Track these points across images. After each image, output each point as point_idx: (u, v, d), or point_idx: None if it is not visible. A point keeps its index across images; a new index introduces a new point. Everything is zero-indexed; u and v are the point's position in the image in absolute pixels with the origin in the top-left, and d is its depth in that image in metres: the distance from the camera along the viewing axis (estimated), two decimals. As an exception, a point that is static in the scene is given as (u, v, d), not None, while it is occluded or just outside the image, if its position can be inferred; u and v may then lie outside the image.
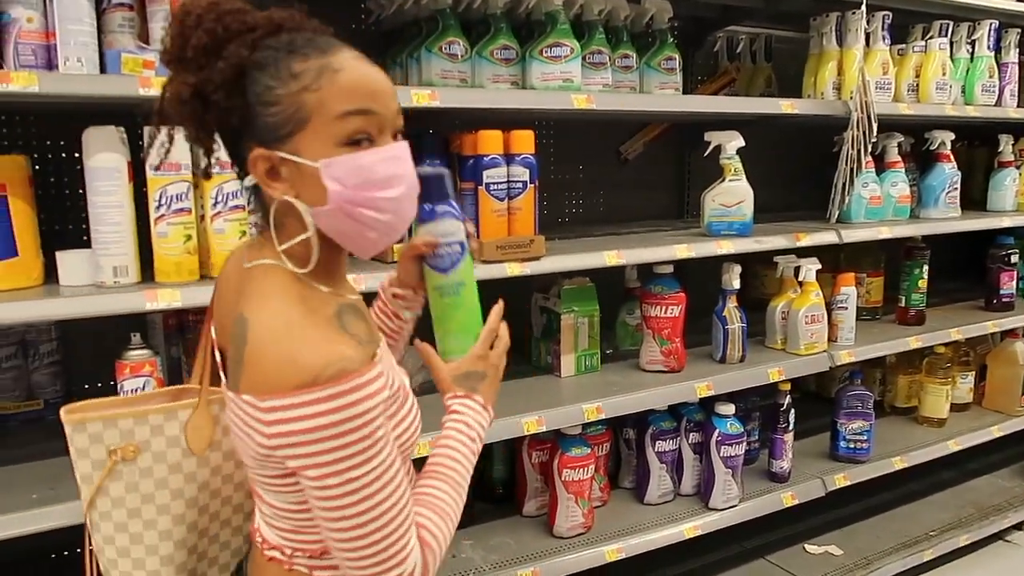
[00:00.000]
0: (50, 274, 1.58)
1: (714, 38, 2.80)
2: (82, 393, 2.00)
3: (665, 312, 2.20)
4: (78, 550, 1.99)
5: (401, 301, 1.27)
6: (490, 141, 1.81)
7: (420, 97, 1.67)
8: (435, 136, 1.91)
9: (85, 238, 1.64)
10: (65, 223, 1.91)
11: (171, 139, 0.98)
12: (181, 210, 1.56)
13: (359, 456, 0.87)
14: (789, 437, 2.41)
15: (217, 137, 0.98)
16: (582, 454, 2.09)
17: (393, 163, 0.95)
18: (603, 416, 2.01)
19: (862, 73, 2.35)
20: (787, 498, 2.37)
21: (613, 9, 2.16)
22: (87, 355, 1.97)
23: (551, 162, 2.65)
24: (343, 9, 2.20)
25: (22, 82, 1.33)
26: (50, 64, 1.49)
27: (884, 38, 2.52)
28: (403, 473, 0.93)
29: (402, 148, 0.97)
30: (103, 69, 1.52)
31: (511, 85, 1.98)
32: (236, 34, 0.91)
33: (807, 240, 2.30)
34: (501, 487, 2.33)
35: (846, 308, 2.49)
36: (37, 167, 1.83)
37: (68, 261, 1.55)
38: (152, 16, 1.58)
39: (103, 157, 1.51)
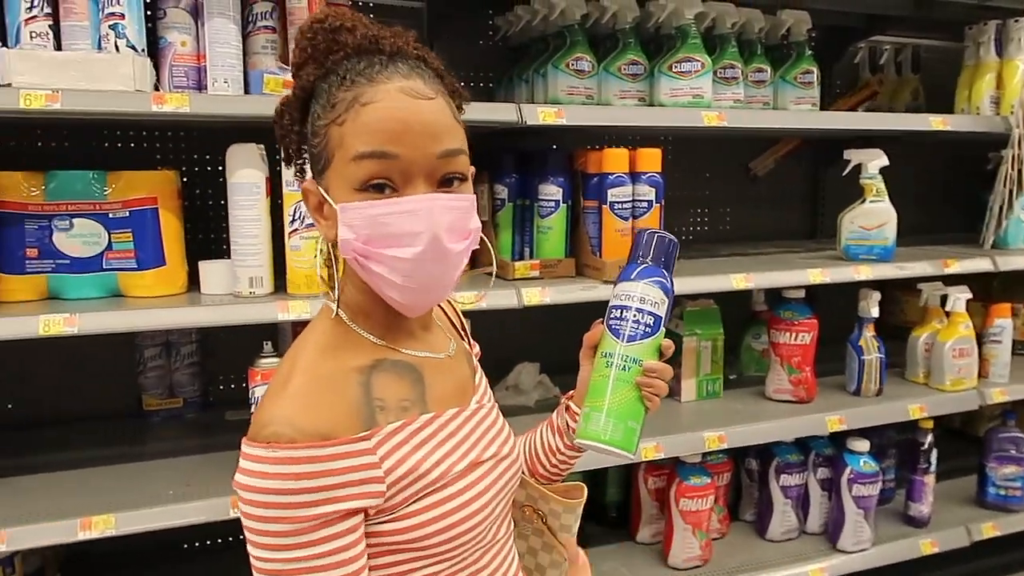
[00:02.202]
0: (194, 281, 1.67)
1: (855, 49, 2.65)
2: (217, 394, 2.11)
3: (795, 339, 2.08)
4: (208, 542, 2.12)
5: (572, 419, 1.09)
6: (615, 159, 1.78)
7: (547, 115, 1.66)
8: (558, 153, 1.89)
9: (226, 247, 1.72)
10: (208, 234, 2.02)
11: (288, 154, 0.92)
12: (314, 224, 1.60)
13: (264, 536, 0.76)
14: (930, 479, 2.23)
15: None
16: (701, 483, 2.01)
17: (410, 218, 0.80)
18: (725, 446, 1.93)
19: (1026, 86, 2.16)
20: (926, 545, 2.19)
21: (747, 21, 2.08)
22: (224, 358, 2.07)
23: (675, 177, 2.58)
24: (472, 26, 2.23)
25: (175, 103, 1.41)
26: (200, 84, 1.58)
27: (1051, 47, 2.30)
28: None
29: (426, 202, 0.80)
30: (247, 89, 1.60)
31: (638, 101, 1.94)
32: (322, 54, 0.84)
33: (956, 267, 2.12)
34: (615, 511, 2.28)
35: (1000, 342, 2.28)
36: (185, 180, 1.95)
37: (209, 271, 1.64)
38: (293, 37, 1.64)
39: (244, 173, 1.58)
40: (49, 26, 1.45)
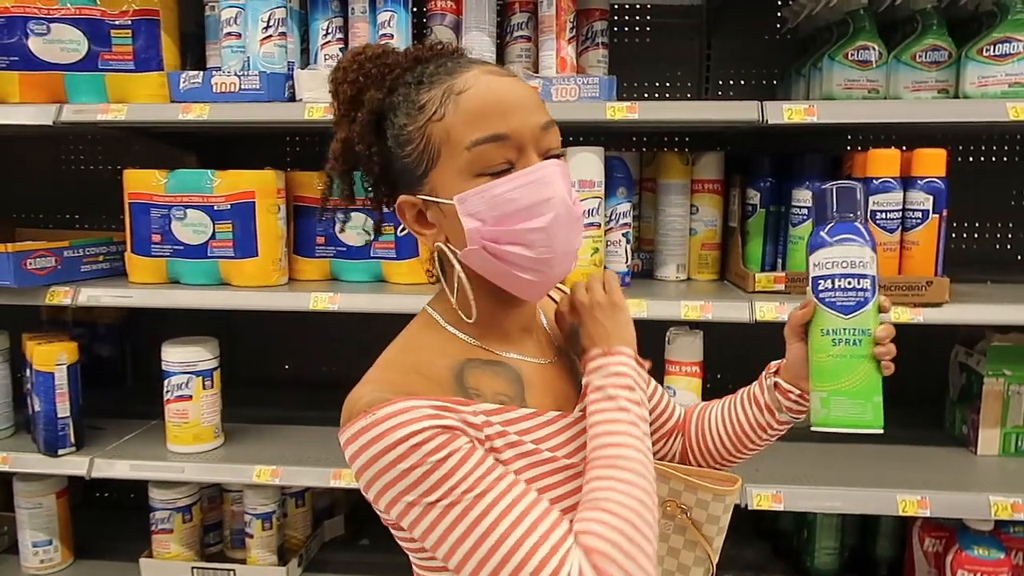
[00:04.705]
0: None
1: None
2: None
3: None
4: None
5: (783, 398, 1.01)
6: (881, 161, 1.53)
7: (793, 113, 1.50)
8: (815, 155, 1.70)
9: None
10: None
11: (344, 183, 0.94)
12: (591, 224, 1.66)
13: (425, 480, 0.76)
14: None
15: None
16: (989, 558, 1.64)
17: (536, 187, 0.80)
18: (1020, 516, 1.55)
19: None
20: None
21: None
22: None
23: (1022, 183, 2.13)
24: (756, 19, 2.09)
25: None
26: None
27: None
28: (521, 487, 0.79)
29: (547, 168, 0.81)
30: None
31: (937, 93, 1.65)
32: (376, 79, 0.87)
33: None
34: (886, 568, 1.97)
35: None
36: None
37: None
38: (541, 46, 1.71)
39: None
40: (340, 49, 1.71)
